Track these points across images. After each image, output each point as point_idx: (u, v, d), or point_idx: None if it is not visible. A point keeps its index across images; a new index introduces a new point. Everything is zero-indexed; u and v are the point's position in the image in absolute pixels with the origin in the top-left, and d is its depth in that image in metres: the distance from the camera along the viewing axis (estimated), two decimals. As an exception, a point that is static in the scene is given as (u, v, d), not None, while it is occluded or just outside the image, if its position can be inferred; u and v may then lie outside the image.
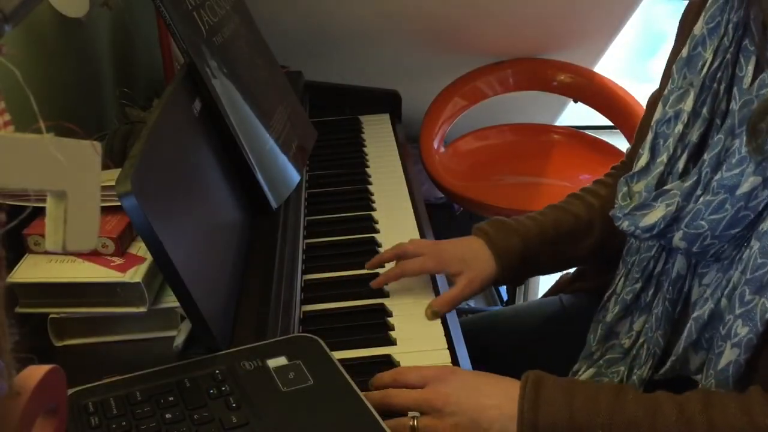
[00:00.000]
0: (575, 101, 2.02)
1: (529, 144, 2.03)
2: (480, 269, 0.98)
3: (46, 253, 0.87)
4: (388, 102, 1.59)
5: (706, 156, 0.80)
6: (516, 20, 1.86)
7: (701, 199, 0.79)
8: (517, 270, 1.00)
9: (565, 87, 2.00)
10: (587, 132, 2.06)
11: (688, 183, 0.81)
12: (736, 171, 0.76)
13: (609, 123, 1.99)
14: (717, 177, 0.78)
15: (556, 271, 1.09)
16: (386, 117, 1.57)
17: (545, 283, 1.93)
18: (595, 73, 1.98)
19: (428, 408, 0.75)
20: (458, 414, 0.74)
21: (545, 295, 1.22)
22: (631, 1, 1.79)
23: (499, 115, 2.09)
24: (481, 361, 0.85)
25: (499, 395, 0.75)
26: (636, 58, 2.73)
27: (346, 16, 1.80)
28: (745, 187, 0.75)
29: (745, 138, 0.75)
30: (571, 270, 1.17)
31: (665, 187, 0.83)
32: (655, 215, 0.82)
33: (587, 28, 1.93)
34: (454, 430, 0.74)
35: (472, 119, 2.00)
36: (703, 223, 0.78)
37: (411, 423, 0.74)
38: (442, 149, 1.95)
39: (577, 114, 2.23)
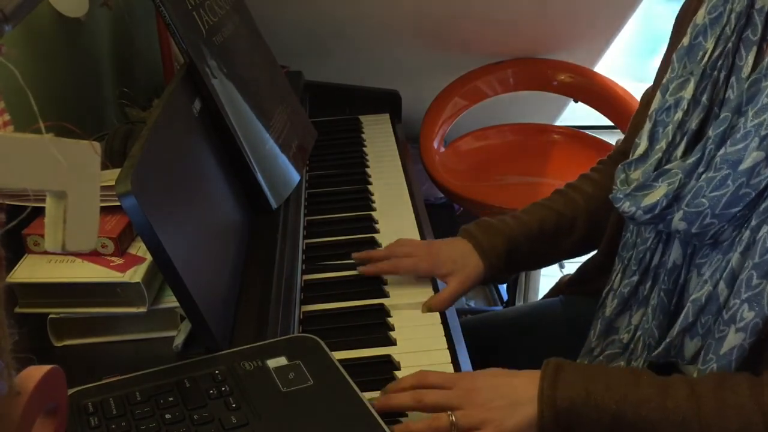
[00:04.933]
0: (576, 101, 2.02)
1: (529, 144, 2.03)
2: (470, 270, 1.01)
3: (46, 253, 0.87)
4: (388, 102, 1.59)
5: (711, 133, 0.80)
6: (516, 20, 1.86)
7: (703, 176, 0.80)
8: (502, 268, 1.03)
9: (566, 87, 2.00)
10: (587, 132, 2.05)
11: (690, 161, 0.81)
12: (740, 146, 0.77)
13: (609, 123, 1.99)
14: (721, 152, 0.78)
15: (542, 267, 1.12)
16: (386, 117, 1.57)
17: (545, 284, 1.92)
18: (595, 73, 1.98)
19: (462, 402, 0.77)
20: (493, 399, 0.76)
21: (545, 297, 1.22)
22: (631, 1, 1.79)
23: (499, 115, 2.09)
24: (480, 362, 0.85)
25: (524, 376, 0.78)
26: (636, 58, 2.73)
27: (345, 17, 1.79)
28: (747, 162, 0.76)
29: (751, 111, 0.75)
30: (572, 271, 1.17)
31: (666, 167, 0.83)
32: (656, 194, 0.82)
33: (587, 27, 1.93)
34: (491, 412, 0.76)
35: (472, 119, 2.00)
36: (704, 200, 0.78)
37: (449, 417, 0.76)
38: (442, 149, 1.95)
39: (577, 114, 2.22)
